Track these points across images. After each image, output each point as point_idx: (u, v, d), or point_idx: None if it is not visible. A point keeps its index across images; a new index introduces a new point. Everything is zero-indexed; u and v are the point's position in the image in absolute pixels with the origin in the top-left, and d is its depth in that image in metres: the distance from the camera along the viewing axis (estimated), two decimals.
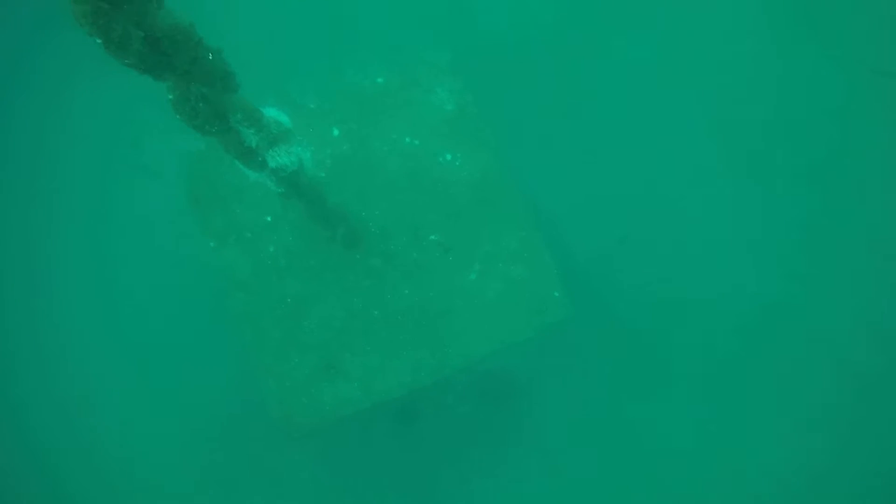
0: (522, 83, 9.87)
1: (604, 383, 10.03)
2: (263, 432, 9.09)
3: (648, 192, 10.03)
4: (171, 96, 4.43)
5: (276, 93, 8.34)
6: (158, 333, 9.38)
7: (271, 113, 5.68)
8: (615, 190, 9.88)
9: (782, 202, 10.34)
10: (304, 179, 6.38)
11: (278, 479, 9.66)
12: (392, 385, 8.05)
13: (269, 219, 8.23)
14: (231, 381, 9.19)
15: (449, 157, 8.55)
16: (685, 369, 10.09)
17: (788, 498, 9.82)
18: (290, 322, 8.10)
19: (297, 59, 9.40)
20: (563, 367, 10.02)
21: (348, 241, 8.15)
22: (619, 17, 10.59)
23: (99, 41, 3.60)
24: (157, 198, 9.21)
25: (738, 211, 10.20)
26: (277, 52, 9.34)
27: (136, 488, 9.54)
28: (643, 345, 10.07)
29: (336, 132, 8.45)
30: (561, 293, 8.47)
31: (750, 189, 10.37)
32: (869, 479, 9.72)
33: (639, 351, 10.05)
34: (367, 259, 8.25)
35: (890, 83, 10.18)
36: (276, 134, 5.39)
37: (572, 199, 9.72)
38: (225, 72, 4.58)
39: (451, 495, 9.73)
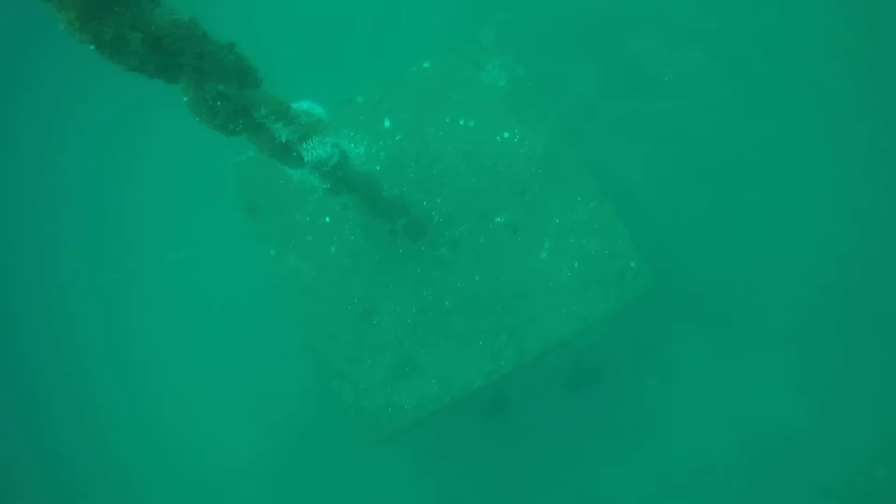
0: (575, 49, 9.42)
1: (696, 357, 9.44)
2: (344, 440, 8.94)
3: (717, 147, 9.38)
4: (185, 98, 4.23)
5: (318, 90, 8.15)
6: (230, 347, 9.39)
7: (304, 106, 5.42)
8: (683, 146, 9.30)
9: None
10: (351, 172, 6.12)
11: (363, 488, 9.51)
12: (472, 376, 7.72)
13: (327, 219, 8.04)
14: (307, 391, 9.09)
15: (507, 134, 8.15)
16: (777, 328, 9.36)
17: None
18: (360, 323, 7.89)
19: (337, 54, 9.21)
20: (652, 342, 9.49)
21: (412, 233, 7.88)
22: None
23: (92, 47, 3.41)
24: (215, 211, 9.20)
25: (831, 171, 9.41)
26: (317, 50, 9.18)
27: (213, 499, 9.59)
28: (733, 309, 9.42)
29: (387, 123, 8.19)
30: (638, 263, 7.97)
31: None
32: None
33: (729, 315, 9.41)
34: (434, 249, 7.95)
35: None
36: (308, 125, 5.12)
37: (638, 164, 9.22)
38: (240, 67, 4.34)
39: (548, 487, 9.35)
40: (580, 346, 9.46)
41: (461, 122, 8.16)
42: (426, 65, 8.32)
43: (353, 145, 8.03)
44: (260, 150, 5.13)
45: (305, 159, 5.36)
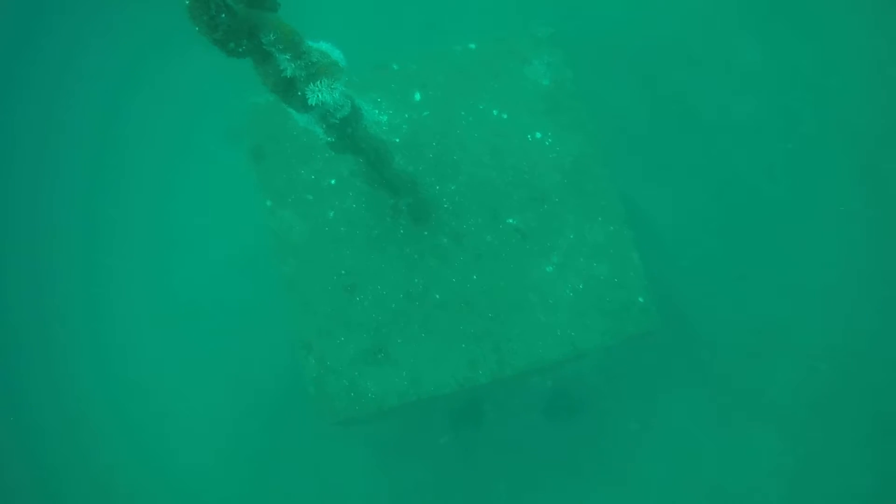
0: (627, 67, 8.96)
1: (684, 412, 8.89)
2: (306, 416, 8.51)
3: (754, 202, 8.84)
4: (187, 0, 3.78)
5: (355, 48, 7.72)
6: (208, 297, 8.98)
7: (322, 46, 4.95)
8: (719, 195, 8.77)
9: None
10: (361, 132, 5.64)
11: (318, 469, 9.06)
12: (445, 379, 7.24)
13: (332, 181, 7.60)
14: (279, 357, 8.66)
15: (539, 135, 7.66)
16: (777, 404, 8.80)
17: None
18: (342, 296, 7.43)
19: (385, 14, 8.77)
20: (642, 386, 8.96)
21: (416, 214, 7.41)
22: (744, 13, 9.47)
23: None
24: (220, 154, 8.79)
25: (861, 233, 8.85)
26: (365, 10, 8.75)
27: (177, 468, 9.19)
28: (735, 372, 8.88)
29: (418, 96, 7.72)
30: (646, 299, 7.46)
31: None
32: None
33: (729, 377, 8.87)
34: (435, 237, 7.48)
35: None
36: (319, 65, 4.64)
37: (668, 198, 8.70)
38: None
39: None
40: (567, 373, 8.96)
41: (494, 113, 7.68)
42: (472, 46, 7.85)
43: (377, 111, 7.62)
44: (263, 81, 4.68)
45: (310, 102, 4.88)
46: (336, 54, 5.11)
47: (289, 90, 4.74)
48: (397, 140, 7.60)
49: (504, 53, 7.84)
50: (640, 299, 7.49)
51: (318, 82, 4.71)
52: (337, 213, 7.56)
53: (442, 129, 7.63)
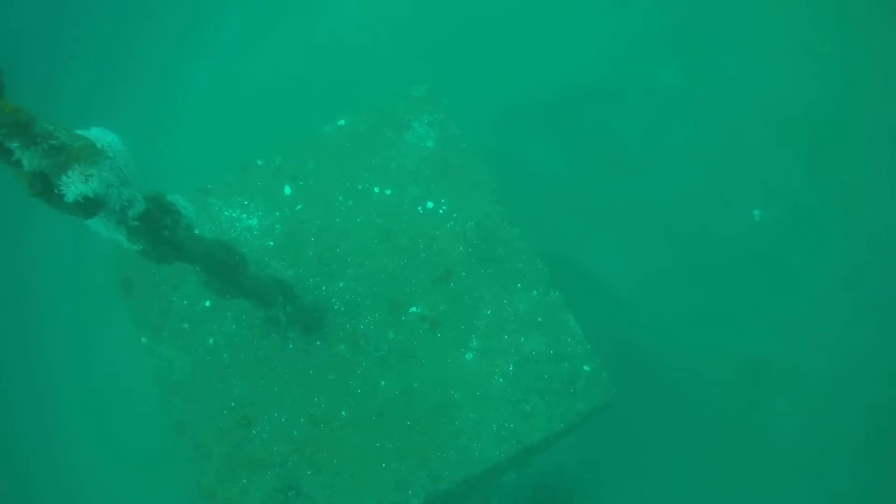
0: (519, 107, 7.99)
1: (685, 479, 7.49)
2: None
3: (710, 232, 7.66)
4: None
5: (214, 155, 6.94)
6: (93, 456, 7.96)
7: (94, 133, 3.97)
8: (669, 233, 7.62)
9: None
10: (183, 233, 4.66)
11: None
12: None
13: (207, 303, 6.65)
14: None
15: (431, 205, 6.68)
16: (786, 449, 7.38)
17: None
18: (238, 433, 6.35)
19: (237, 108, 8.00)
20: (631, 463, 7.61)
21: (304, 323, 6.39)
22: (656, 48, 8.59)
23: None
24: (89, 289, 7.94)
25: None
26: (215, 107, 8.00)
27: None
28: (730, 422, 7.51)
29: (288, 190, 6.83)
30: (594, 367, 6.26)
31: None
32: None
33: (726, 429, 7.49)
34: (331, 345, 6.42)
35: None
36: (69, 150, 3.64)
37: (611, 247, 7.58)
38: None
39: None
40: (543, 466, 7.67)
41: (376, 190, 6.73)
42: (341, 122, 7.00)
43: (245, 216, 6.71)
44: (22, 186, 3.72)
45: (68, 200, 3.85)
46: (111, 138, 4.10)
47: (47, 190, 3.76)
48: (271, 243, 6.66)
49: (379, 123, 6.97)
50: (587, 368, 6.31)
51: (70, 172, 3.70)
52: (217, 339, 6.57)
53: (320, 222, 6.69)
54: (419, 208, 6.66)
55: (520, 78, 8.64)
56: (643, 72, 8.70)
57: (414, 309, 6.42)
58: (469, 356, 6.32)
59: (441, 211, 6.63)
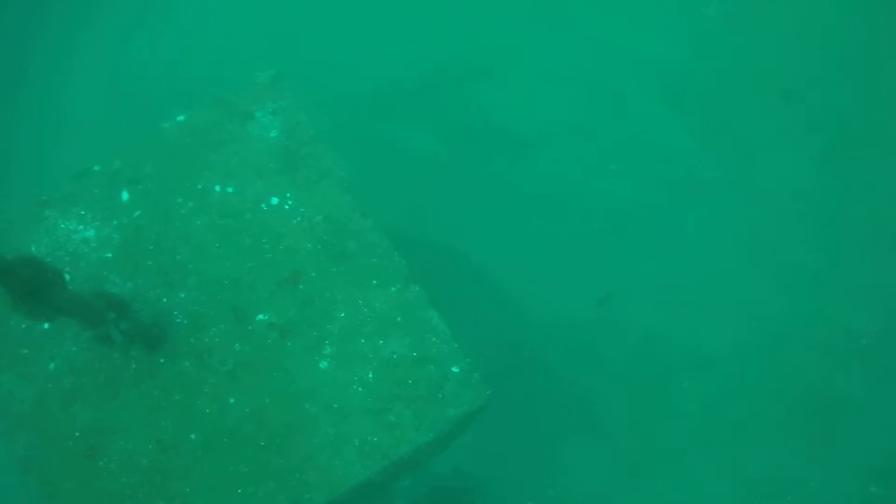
0: (392, 91, 7.32)
1: (589, 472, 6.85)
2: None
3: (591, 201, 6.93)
4: None
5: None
6: None
7: None
8: (556, 207, 6.91)
9: None
10: None
11: None
12: None
13: (45, 325, 6.15)
14: None
15: (276, 200, 6.07)
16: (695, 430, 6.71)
17: None
18: (85, 465, 5.86)
19: (75, 112, 7.46)
20: (533, 458, 6.99)
21: (145, 340, 5.86)
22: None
23: None
24: None
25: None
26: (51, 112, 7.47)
27: None
28: (636, 407, 6.84)
29: (125, 196, 6.27)
30: (464, 367, 5.66)
31: None
32: None
33: (631, 416, 6.83)
34: (175, 362, 5.88)
35: None
36: None
37: (476, 230, 6.89)
38: None
39: None
40: (440, 468, 7.08)
41: (217, 189, 6.15)
42: (181, 118, 6.42)
43: (82, 227, 6.20)
44: None
45: None
46: None
47: None
48: (109, 255, 6.13)
49: (220, 116, 6.38)
50: (455, 369, 5.69)
51: None
52: (58, 363, 6.07)
53: (159, 228, 6.13)
54: (263, 205, 6.06)
55: (390, 61, 7.98)
56: (517, 44, 7.96)
57: (261, 316, 5.85)
58: (323, 365, 5.73)
59: (287, 206, 6.02)
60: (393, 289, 5.84)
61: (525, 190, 7.48)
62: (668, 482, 6.72)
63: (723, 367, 6.88)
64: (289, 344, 5.78)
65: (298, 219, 5.99)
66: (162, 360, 5.89)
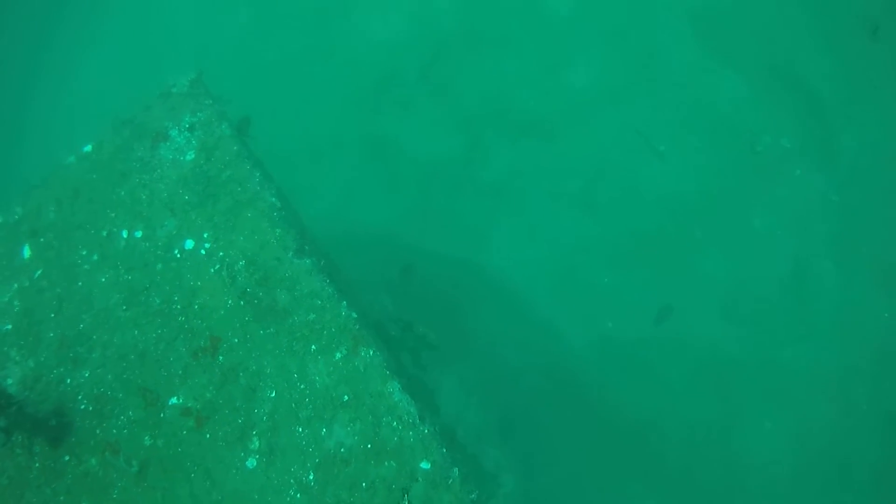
0: (366, 85, 5.77)
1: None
2: None
3: None
4: None
5: None
6: None
7: None
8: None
9: None
10: None
11: None
12: None
13: None
14: None
15: (190, 243, 4.69)
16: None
17: None
18: None
19: None
20: None
21: (46, 434, 4.66)
22: None
23: None
24: None
25: None
26: None
27: None
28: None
29: (27, 252, 5.09)
30: (436, 461, 4.08)
31: None
32: None
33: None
34: (81, 459, 4.64)
35: None
36: None
37: (477, 240, 5.24)
38: None
39: None
40: None
41: (124, 235, 4.85)
42: (87, 148, 5.16)
43: None
44: None
45: None
46: None
47: None
48: (9, 327, 4.96)
49: (129, 140, 5.07)
50: (425, 465, 4.10)
51: None
52: None
53: (60, 290, 4.91)
54: (175, 251, 4.69)
55: (384, 45, 6.43)
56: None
57: (173, 399, 4.49)
58: (251, 463, 4.29)
59: (203, 251, 4.62)
60: (338, 355, 4.31)
61: (555, 184, 5.72)
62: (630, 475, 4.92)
63: (814, 399, 4.85)
64: (208, 436, 4.38)
65: (217, 266, 4.57)
66: (67, 458, 4.66)
